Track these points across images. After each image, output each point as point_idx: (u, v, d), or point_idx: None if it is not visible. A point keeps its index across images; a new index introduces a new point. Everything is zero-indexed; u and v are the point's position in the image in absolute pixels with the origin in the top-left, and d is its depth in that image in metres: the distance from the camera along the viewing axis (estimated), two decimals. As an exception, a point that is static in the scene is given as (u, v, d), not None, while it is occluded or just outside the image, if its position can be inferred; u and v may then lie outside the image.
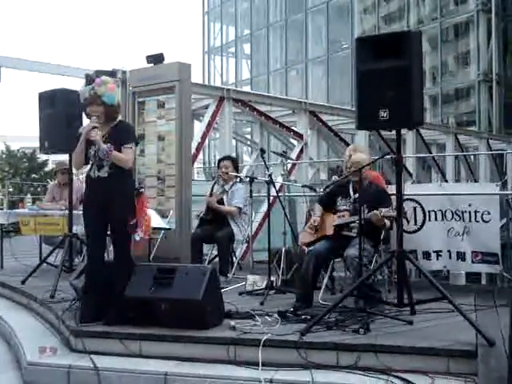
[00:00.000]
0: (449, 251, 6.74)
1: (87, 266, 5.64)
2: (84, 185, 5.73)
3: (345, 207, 6.02)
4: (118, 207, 5.37)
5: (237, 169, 8.05)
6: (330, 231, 5.98)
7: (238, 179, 7.93)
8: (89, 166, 5.45)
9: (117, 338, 5.01)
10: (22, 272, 7.76)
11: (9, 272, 8.42)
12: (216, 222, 7.60)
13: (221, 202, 7.74)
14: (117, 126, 5.50)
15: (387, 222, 5.60)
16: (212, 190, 8.00)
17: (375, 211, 5.48)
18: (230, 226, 7.55)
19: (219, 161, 8.11)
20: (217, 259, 7.76)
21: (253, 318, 5.21)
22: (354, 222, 5.79)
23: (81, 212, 7.67)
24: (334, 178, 7.51)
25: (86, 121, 5.75)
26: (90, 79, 5.45)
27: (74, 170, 7.78)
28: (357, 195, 5.92)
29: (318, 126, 16.07)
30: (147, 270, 5.38)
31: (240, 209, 7.63)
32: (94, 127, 5.31)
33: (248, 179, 7.62)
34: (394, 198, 5.49)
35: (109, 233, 5.58)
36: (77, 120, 7.15)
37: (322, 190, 6.98)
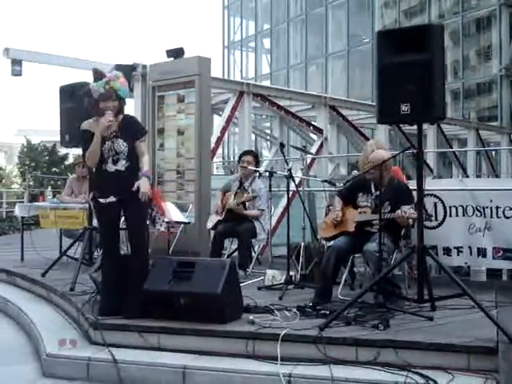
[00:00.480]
0: (469, 247, 6.68)
1: (103, 259, 5.65)
2: (91, 181, 5.68)
3: (366, 203, 5.97)
4: (137, 200, 5.34)
5: (258, 164, 7.94)
6: (351, 228, 5.93)
7: (258, 174, 7.84)
8: (100, 161, 5.41)
9: (136, 330, 5.03)
10: (42, 265, 7.81)
11: (29, 264, 8.49)
12: (236, 217, 7.53)
13: (243, 203, 7.59)
14: (125, 120, 5.52)
15: (411, 221, 5.55)
16: (231, 190, 7.76)
17: (401, 213, 5.42)
18: (251, 222, 7.49)
19: (241, 155, 7.98)
20: (236, 253, 7.75)
21: (272, 313, 5.20)
22: (375, 219, 5.74)
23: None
24: (354, 172, 7.46)
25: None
26: (98, 74, 5.41)
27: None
28: (378, 192, 5.87)
29: (337, 120, 15.99)
30: (167, 264, 5.38)
31: (263, 210, 7.58)
32: (111, 121, 5.31)
33: (267, 174, 7.58)
34: (414, 193, 5.45)
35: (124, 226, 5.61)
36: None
37: (341, 185, 6.94)
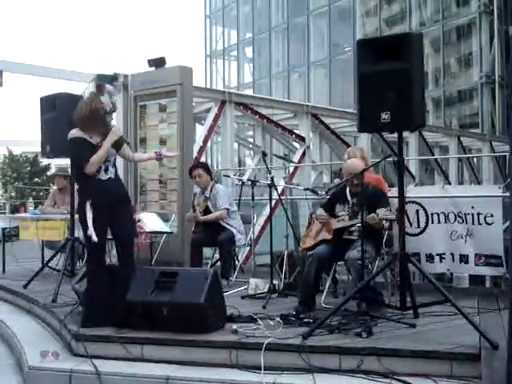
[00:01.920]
0: (452, 254, 6.70)
1: (89, 269, 5.62)
2: (84, 190, 5.67)
3: (343, 212, 6.01)
4: (127, 208, 5.57)
5: (210, 173, 7.83)
6: (328, 236, 5.97)
7: (214, 181, 7.81)
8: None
9: (118, 342, 4.99)
10: (24, 276, 7.76)
11: (11, 276, 8.42)
12: (214, 226, 7.52)
13: (207, 209, 7.63)
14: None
15: (385, 224, 5.59)
16: (193, 204, 7.80)
17: (372, 214, 5.45)
18: (229, 230, 7.49)
19: (190, 170, 7.78)
20: (219, 263, 7.74)
21: (255, 322, 5.18)
22: (353, 225, 5.79)
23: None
24: (336, 180, 7.50)
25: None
26: (103, 88, 5.48)
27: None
28: (354, 199, 5.92)
29: (320, 128, 16.06)
30: (149, 274, 5.35)
31: (227, 209, 7.56)
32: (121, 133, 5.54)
33: (250, 183, 7.58)
34: (396, 200, 5.46)
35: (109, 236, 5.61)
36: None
37: (324, 193, 6.96)
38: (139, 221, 6.49)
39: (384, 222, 5.55)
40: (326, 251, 5.83)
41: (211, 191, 7.62)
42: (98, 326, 5.25)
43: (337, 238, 5.91)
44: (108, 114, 5.44)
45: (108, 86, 5.51)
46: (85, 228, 5.40)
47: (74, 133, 5.45)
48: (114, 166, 5.52)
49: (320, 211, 6.23)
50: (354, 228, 5.83)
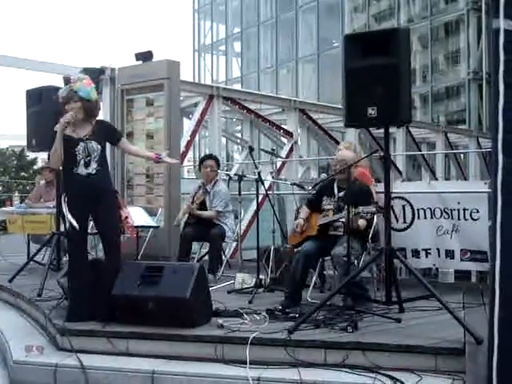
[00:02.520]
0: (438, 249, 6.74)
1: (71, 264, 5.59)
2: (62, 183, 5.67)
3: (329, 206, 6.01)
4: (109, 203, 5.48)
5: (218, 168, 7.90)
6: (313, 231, 5.98)
7: (221, 177, 7.83)
8: (68, 163, 5.39)
9: (104, 336, 4.98)
10: (9, 270, 7.71)
11: (-4, 270, 8.37)
12: (205, 221, 7.52)
13: (203, 202, 7.64)
14: (99, 124, 5.59)
15: (361, 223, 5.57)
16: (194, 196, 7.80)
17: (357, 222, 5.48)
18: (221, 226, 7.49)
19: (202, 159, 7.92)
20: (206, 257, 7.73)
21: (241, 317, 5.19)
22: (337, 220, 5.80)
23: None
24: (323, 175, 7.49)
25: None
26: (66, 80, 5.47)
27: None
28: (341, 193, 5.92)
29: (308, 124, 16.08)
30: (135, 268, 5.35)
31: (218, 212, 7.53)
32: (67, 123, 5.32)
33: (237, 177, 7.58)
34: (382, 195, 5.47)
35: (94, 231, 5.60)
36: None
37: (310, 188, 6.96)
38: (126, 217, 6.46)
39: (360, 222, 5.56)
40: (312, 247, 5.84)
41: (213, 187, 7.63)
42: (82, 320, 5.23)
43: (322, 234, 5.91)
44: (65, 104, 5.41)
45: (72, 76, 5.47)
46: (64, 220, 5.43)
47: (56, 127, 5.48)
48: (99, 161, 5.41)
49: (302, 211, 6.26)
50: (338, 224, 5.83)
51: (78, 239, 5.48)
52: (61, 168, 5.57)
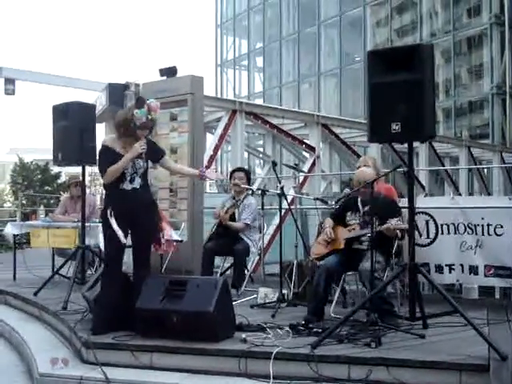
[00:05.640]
0: (461, 265, 6.70)
1: (106, 276, 5.63)
2: (107, 198, 5.75)
3: (354, 221, 6.01)
4: (150, 216, 5.64)
5: (249, 181, 7.98)
6: (341, 245, 5.97)
7: (250, 192, 7.87)
8: (116, 179, 5.48)
9: (128, 349, 5.01)
10: (34, 283, 7.79)
11: (21, 283, 8.45)
12: (229, 235, 7.55)
13: (232, 215, 7.69)
14: (147, 142, 5.61)
15: (399, 233, 5.58)
16: (224, 205, 7.86)
17: (387, 225, 5.46)
18: (244, 240, 7.51)
19: (233, 171, 8.00)
20: (228, 272, 7.74)
21: (264, 331, 5.20)
22: (364, 235, 5.79)
23: (93, 224, 7.77)
24: (346, 190, 7.49)
25: (100, 134, 5.87)
26: (141, 101, 5.47)
27: (86, 183, 7.83)
28: (366, 208, 5.92)
29: (330, 138, 16.09)
30: (159, 282, 5.38)
31: (247, 225, 7.59)
32: (144, 149, 5.46)
33: (260, 192, 7.61)
34: (405, 210, 5.47)
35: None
36: (90, 133, 7.24)
37: (333, 202, 6.96)
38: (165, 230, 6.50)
39: (398, 232, 5.56)
40: (335, 262, 5.83)
41: (243, 200, 7.66)
42: (108, 333, 5.27)
43: (346, 248, 5.91)
44: (140, 129, 5.44)
45: (150, 102, 5.49)
46: (108, 234, 5.48)
47: (105, 140, 5.62)
48: (143, 176, 5.56)
49: (327, 222, 6.26)
50: (364, 238, 5.83)
51: (118, 252, 5.55)
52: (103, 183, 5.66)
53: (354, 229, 5.97)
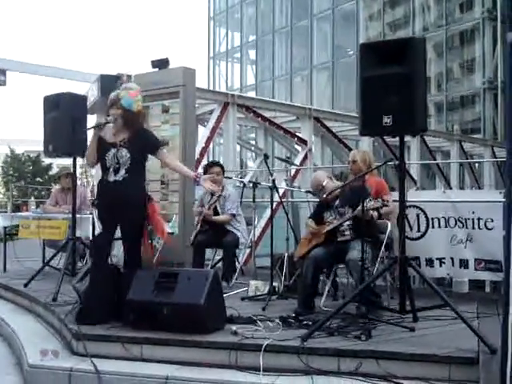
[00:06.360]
0: (452, 258, 6.73)
1: (93, 268, 5.63)
2: (94, 189, 5.78)
3: (332, 217, 6.10)
4: (133, 210, 5.51)
5: (224, 175, 7.99)
6: (321, 238, 6.00)
7: (235, 184, 7.87)
8: (100, 170, 5.49)
9: (118, 341, 5.01)
10: (24, 275, 7.78)
11: (12, 275, 8.45)
12: (217, 228, 7.56)
13: (215, 208, 7.68)
14: (139, 133, 5.61)
15: (374, 214, 5.61)
16: (202, 200, 7.91)
17: (358, 208, 5.51)
18: (232, 232, 7.52)
19: (208, 166, 7.94)
20: (219, 264, 7.75)
21: (254, 324, 5.21)
22: (342, 224, 5.88)
23: (84, 216, 7.76)
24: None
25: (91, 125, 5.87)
26: (117, 78, 5.61)
27: (77, 175, 7.81)
28: (337, 202, 6.09)
29: (322, 132, 16.06)
30: (150, 275, 5.38)
31: (233, 215, 7.59)
32: (106, 123, 5.47)
33: (251, 184, 7.60)
34: (396, 204, 5.48)
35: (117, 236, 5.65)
36: (81, 124, 7.20)
37: (324, 196, 6.97)
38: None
39: (372, 212, 5.58)
40: (322, 252, 5.86)
41: (222, 191, 7.66)
42: (93, 323, 5.29)
43: (331, 241, 5.93)
44: (109, 108, 5.59)
45: (124, 84, 5.61)
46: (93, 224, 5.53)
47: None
48: (129, 169, 5.46)
49: (309, 221, 6.29)
50: (344, 228, 5.87)
51: (102, 244, 5.54)
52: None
53: (331, 222, 6.01)
